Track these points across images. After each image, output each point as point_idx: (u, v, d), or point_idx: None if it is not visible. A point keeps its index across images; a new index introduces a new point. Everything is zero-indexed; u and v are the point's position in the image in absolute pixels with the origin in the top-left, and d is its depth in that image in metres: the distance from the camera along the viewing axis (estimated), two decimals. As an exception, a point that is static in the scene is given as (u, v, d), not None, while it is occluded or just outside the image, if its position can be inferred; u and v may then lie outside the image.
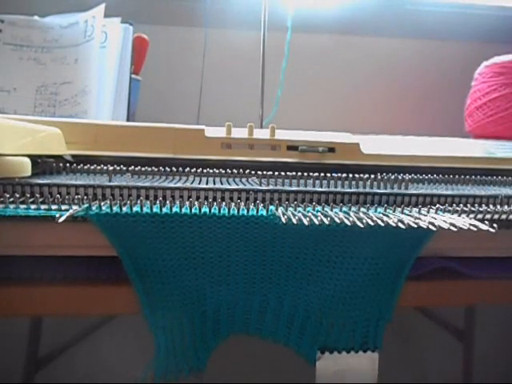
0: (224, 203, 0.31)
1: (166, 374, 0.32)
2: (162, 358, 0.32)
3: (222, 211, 0.30)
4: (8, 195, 0.30)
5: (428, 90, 0.98)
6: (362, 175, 0.41)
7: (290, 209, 0.31)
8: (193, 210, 0.30)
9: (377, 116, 0.96)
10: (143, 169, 0.41)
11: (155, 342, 0.32)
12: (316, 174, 0.39)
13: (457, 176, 0.47)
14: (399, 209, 0.33)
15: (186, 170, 0.42)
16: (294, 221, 0.28)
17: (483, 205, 0.36)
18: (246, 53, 0.86)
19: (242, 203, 0.31)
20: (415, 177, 0.45)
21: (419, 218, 0.29)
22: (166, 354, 0.32)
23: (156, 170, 0.41)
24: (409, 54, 0.98)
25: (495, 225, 0.29)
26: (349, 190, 0.36)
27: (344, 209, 0.32)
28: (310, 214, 0.29)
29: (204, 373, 0.33)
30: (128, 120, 0.64)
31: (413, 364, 0.99)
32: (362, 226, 0.28)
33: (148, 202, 0.29)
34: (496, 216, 0.33)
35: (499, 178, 0.47)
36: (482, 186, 0.45)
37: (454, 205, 0.35)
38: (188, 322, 0.32)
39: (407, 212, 0.32)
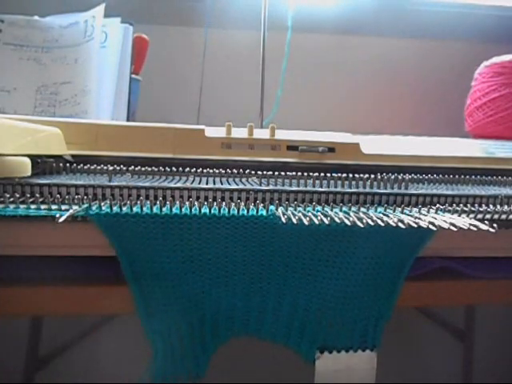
0: (224, 203, 0.31)
1: (164, 380, 0.31)
2: (160, 363, 0.31)
3: (221, 211, 0.30)
4: (8, 195, 0.30)
5: (428, 89, 0.98)
6: (362, 175, 0.41)
7: (290, 209, 0.31)
8: (193, 211, 0.30)
9: (377, 116, 0.96)
10: (143, 169, 0.41)
11: (152, 347, 0.31)
12: (316, 174, 0.39)
13: (457, 176, 0.47)
14: (399, 209, 0.33)
15: (186, 170, 0.42)
16: (294, 221, 0.28)
17: (483, 205, 0.36)
18: (246, 53, 0.86)
19: (242, 203, 0.31)
20: (415, 177, 0.45)
21: (419, 218, 0.29)
22: (164, 359, 0.31)
23: (156, 169, 0.41)
24: (409, 54, 0.97)
25: (495, 225, 0.29)
26: (349, 190, 0.36)
27: (344, 209, 0.32)
28: (310, 214, 0.29)
29: (202, 378, 0.32)
30: (128, 120, 0.64)
31: (413, 364, 0.99)
32: (361, 225, 0.28)
33: (148, 202, 0.29)
34: (496, 216, 0.33)
35: (499, 177, 0.47)
36: (482, 186, 0.45)
37: (454, 205, 0.35)
38: (186, 327, 0.31)
39: (407, 212, 0.32)
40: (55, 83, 0.63)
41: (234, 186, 0.35)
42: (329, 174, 0.40)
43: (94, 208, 0.29)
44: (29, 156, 0.35)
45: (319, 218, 0.28)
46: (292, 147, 0.47)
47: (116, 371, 0.83)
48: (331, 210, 0.31)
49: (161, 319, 0.31)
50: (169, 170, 0.41)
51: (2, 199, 0.30)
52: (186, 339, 0.31)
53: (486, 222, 0.29)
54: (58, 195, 0.32)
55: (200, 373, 0.32)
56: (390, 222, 0.28)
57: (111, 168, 0.40)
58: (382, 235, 0.31)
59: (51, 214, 0.28)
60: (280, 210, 0.30)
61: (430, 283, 0.36)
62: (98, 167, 0.41)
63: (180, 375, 0.32)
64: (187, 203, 0.30)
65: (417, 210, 0.33)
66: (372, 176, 0.40)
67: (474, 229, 0.28)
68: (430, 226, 0.28)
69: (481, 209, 0.33)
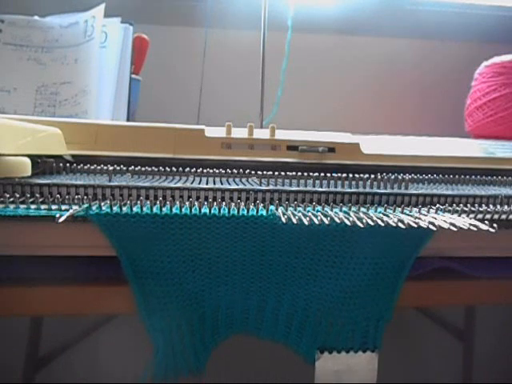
0: (224, 203, 0.31)
1: (165, 376, 0.32)
2: (161, 359, 0.32)
3: (221, 211, 0.30)
4: (8, 195, 0.30)
5: (428, 90, 0.98)
6: (362, 175, 0.41)
7: (290, 209, 0.31)
8: (193, 211, 0.30)
9: (377, 116, 0.96)
10: (143, 169, 0.41)
11: (153, 344, 0.32)
12: (316, 174, 0.39)
13: (457, 176, 0.47)
14: (399, 209, 0.33)
15: (186, 170, 0.42)
16: (294, 221, 0.28)
17: (483, 205, 0.36)
18: (245, 53, 0.86)
19: (242, 203, 0.31)
20: (415, 177, 0.45)
21: (419, 218, 0.29)
22: (165, 356, 0.32)
23: (156, 170, 0.41)
24: (409, 53, 0.97)
25: (495, 225, 0.29)
26: (349, 190, 0.36)
27: (344, 209, 0.32)
28: (310, 214, 0.29)
29: (203, 374, 0.32)
30: (128, 120, 0.64)
31: (413, 364, 0.99)
32: (361, 225, 0.28)
33: (148, 202, 0.29)
34: (496, 216, 0.33)
35: (499, 177, 0.47)
36: (482, 186, 0.45)
37: (454, 205, 0.35)
38: (186, 324, 0.32)
39: (407, 212, 0.32)
40: (55, 83, 0.63)
41: (234, 186, 0.35)
42: (329, 174, 0.40)
43: (94, 208, 0.29)
44: (29, 156, 0.35)
45: (319, 218, 0.28)
46: (292, 147, 0.47)
47: (116, 371, 0.83)
48: (331, 210, 0.31)
49: (161, 317, 0.31)
50: (169, 170, 0.41)
51: (2, 199, 0.30)
52: (187, 336, 0.32)
53: (486, 221, 0.29)
54: (58, 195, 0.32)
55: (200, 368, 0.32)
56: (390, 222, 0.28)
57: (111, 168, 0.40)
58: (382, 235, 0.31)
59: (51, 213, 0.28)
60: (280, 209, 0.30)
61: (430, 283, 0.36)
62: (98, 167, 0.41)
63: (180, 371, 0.32)
64: (187, 203, 0.30)
65: (417, 210, 0.33)
66: (372, 176, 0.40)
67: (474, 229, 0.28)
68: (430, 226, 0.28)
69: (481, 209, 0.33)
